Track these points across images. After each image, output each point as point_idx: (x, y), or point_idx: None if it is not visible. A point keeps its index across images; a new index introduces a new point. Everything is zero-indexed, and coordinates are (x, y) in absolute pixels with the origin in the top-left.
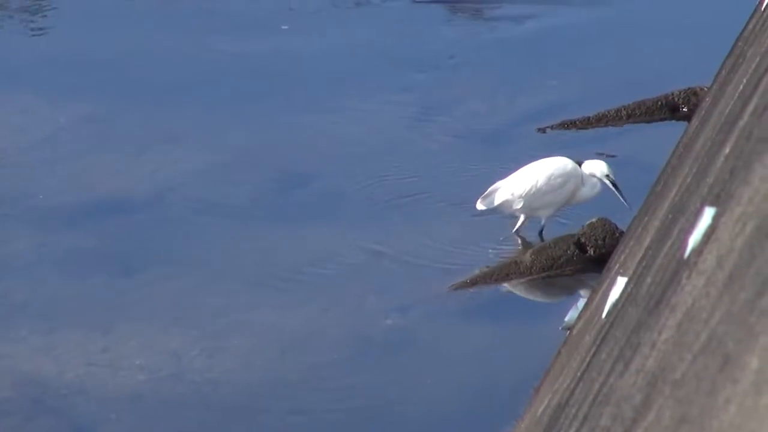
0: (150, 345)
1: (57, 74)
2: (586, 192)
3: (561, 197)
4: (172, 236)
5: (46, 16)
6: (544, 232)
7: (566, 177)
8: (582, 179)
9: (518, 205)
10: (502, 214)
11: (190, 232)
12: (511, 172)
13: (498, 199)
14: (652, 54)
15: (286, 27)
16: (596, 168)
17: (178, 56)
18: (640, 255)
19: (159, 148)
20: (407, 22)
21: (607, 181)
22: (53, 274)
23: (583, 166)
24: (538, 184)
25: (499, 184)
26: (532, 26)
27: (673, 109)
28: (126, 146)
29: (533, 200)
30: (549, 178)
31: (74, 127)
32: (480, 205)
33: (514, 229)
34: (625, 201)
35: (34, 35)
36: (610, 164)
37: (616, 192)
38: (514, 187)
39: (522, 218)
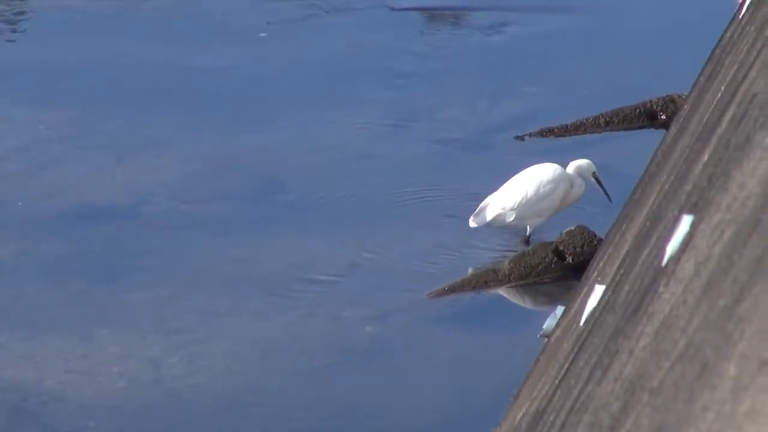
0: (129, 352)
1: (35, 82)
2: (575, 193)
3: (553, 203)
4: (151, 244)
5: (24, 24)
6: (531, 239)
7: (556, 183)
8: (570, 182)
9: (511, 218)
10: (497, 228)
11: (169, 240)
12: (490, 180)
13: (490, 215)
14: (631, 61)
15: (263, 35)
16: (583, 168)
17: (155, 65)
18: (618, 262)
19: (138, 156)
20: (385, 30)
21: (594, 180)
22: (33, 282)
23: (568, 167)
24: (529, 194)
25: (489, 199)
26: (510, 34)
27: (651, 116)
28: (105, 154)
29: (525, 210)
30: (539, 187)
31: (53, 135)
32: (472, 223)
33: (527, 235)
34: (610, 198)
35: (11, 43)
36: (594, 163)
37: (602, 189)
38: (505, 200)
39: (528, 229)
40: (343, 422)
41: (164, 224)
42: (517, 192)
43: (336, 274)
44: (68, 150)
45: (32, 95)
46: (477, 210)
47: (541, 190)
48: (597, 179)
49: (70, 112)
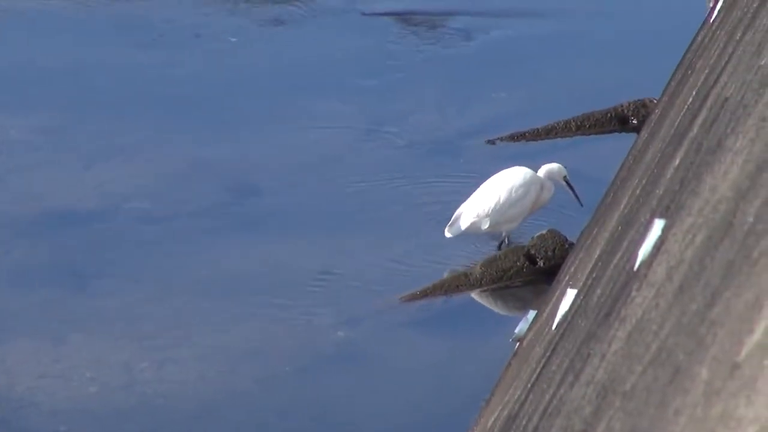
0: (101, 357)
1: (7, 87)
2: (545, 197)
3: (525, 208)
4: (123, 248)
5: None
6: (504, 244)
7: (527, 187)
8: (541, 185)
9: (485, 225)
10: (472, 236)
11: (141, 245)
12: (461, 185)
13: (464, 224)
14: (602, 66)
15: (234, 39)
16: (554, 172)
17: (128, 68)
18: (590, 267)
19: (109, 161)
20: (357, 35)
21: (565, 183)
22: (4, 286)
23: (539, 171)
24: (501, 200)
25: (462, 208)
26: (482, 39)
27: (622, 121)
28: (77, 158)
29: (498, 217)
30: (510, 192)
31: (25, 139)
32: (448, 233)
33: (498, 244)
34: (580, 202)
35: None
36: (565, 167)
37: (572, 193)
38: (478, 208)
39: (504, 234)
40: (315, 427)
41: (136, 229)
42: (490, 199)
43: (308, 279)
44: (39, 155)
45: (4, 100)
46: (451, 220)
47: (513, 195)
48: (568, 183)
49: (41, 117)
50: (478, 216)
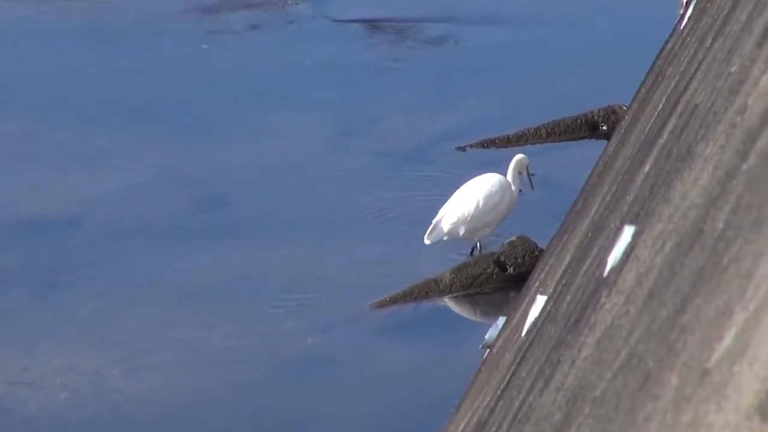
0: (72, 364)
1: None
2: (512, 201)
3: (501, 213)
4: (94, 256)
5: None
6: (476, 251)
7: (502, 193)
8: (512, 189)
9: (463, 231)
10: (452, 242)
11: (112, 252)
12: (432, 191)
13: (443, 231)
14: (572, 73)
15: (206, 46)
16: (522, 163)
17: (98, 76)
18: (559, 273)
19: (80, 167)
20: (327, 41)
21: (527, 172)
22: None
23: (510, 168)
24: (480, 206)
25: (440, 215)
26: (451, 46)
27: (592, 127)
28: (47, 165)
29: (476, 223)
30: (488, 198)
31: None
32: (427, 240)
33: (470, 251)
34: (532, 185)
35: None
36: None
37: (529, 180)
38: (456, 215)
39: (476, 240)
40: None
41: (107, 236)
42: (468, 205)
43: (277, 286)
44: (11, 161)
45: None
46: (430, 227)
47: (490, 202)
48: (528, 172)
49: (13, 124)
50: (456, 222)
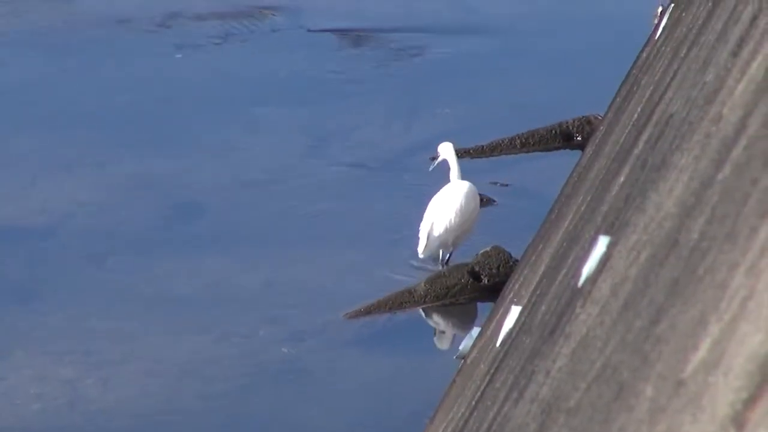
0: (44, 374)
1: None
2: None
3: (476, 218)
4: (66, 264)
5: None
6: (449, 260)
7: (476, 198)
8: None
9: (452, 239)
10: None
11: (84, 261)
12: (405, 201)
13: (436, 242)
14: (546, 83)
15: (179, 56)
16: (448, 149)
17: (71, 84)
18: (534, 284)
19: (52, 177)
20: (301, 50)
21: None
22: None
23: (441, 147)
24: (462, 213)
25: (426, 227)
26: (426, 55)
27: (567, 137)
28: (19, 174)
29: (461, 229)
30: (467, 204)
31: None
32: (422, 255)
33: (444, 260)
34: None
35: None
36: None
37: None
38: (444, 225)
39: (452, 248)
40: None
41: (79, 245)
42: (450, 214)
43: (251, 295)
44: None
45: None
46: (422, 242)
47: (468, 207)
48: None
49: None
50: (446, 231)
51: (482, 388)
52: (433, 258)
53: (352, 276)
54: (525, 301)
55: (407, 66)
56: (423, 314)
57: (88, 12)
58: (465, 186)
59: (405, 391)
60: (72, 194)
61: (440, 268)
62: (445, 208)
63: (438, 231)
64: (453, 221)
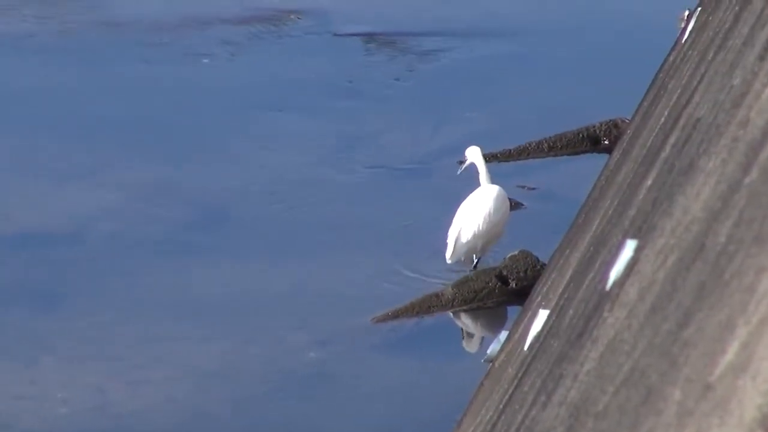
0: (72, 378)
1: None
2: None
3: (505, 223)
4: (92, 270)
5: None
6: (479, 264)
7: (505, 203)
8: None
9: (480, 245)
10: (470, 258)
11: (110, 266)
12: (433, 206)
13: (464, 248)
14: (574, 86)
15: (206, 61)
16: (478, 152)
17: (95, 90)
18: (561, 287)
19: (77, 182)
20: (329, 55)
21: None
22: None
23: (468, 151)
24: (491, 218)
25: (454, 232)
26: (453, 59)
27: (594, 141)
28: (45, 180)
29: (490, 234)
30: (496, 209)
31: None
32: (449, 260)
33: (474, 265)
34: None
35: None
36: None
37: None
38: (472, 230)
39: (481, 253)
40: None
41: (105, 250)
42: (479, 219)
43: (278, 300)
44: (9, 176)
45: None
46: (450, 247)
47: (498, 212)
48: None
49: (9, 139)
50: (474, 237)
51: (510, 391)
52: (465, 261)
53: (379, 280)
54: (553, 304)
55: (434, 70)
56: (451, 318)
57: (115, 17)
58: (494, 191)
59: (432, 395)
60: (97, 200)
61: (469, 271)
62: (473, 214)
63: (466, 237)
64: (481, 227)
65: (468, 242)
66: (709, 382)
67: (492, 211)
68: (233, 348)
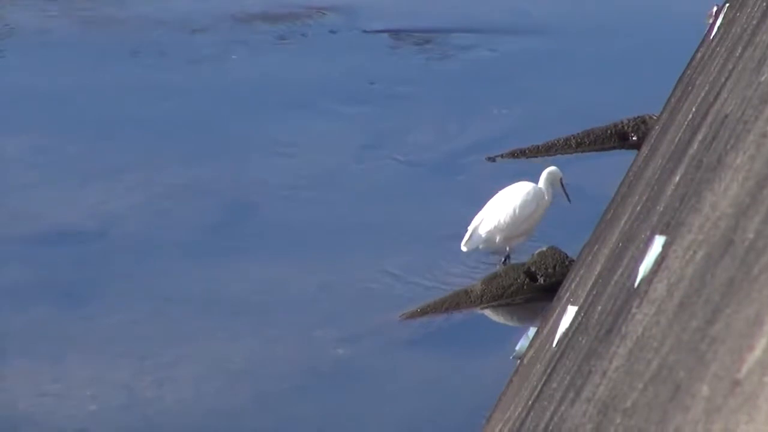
0: (100, 376)
1: (2, 106)
2: (548, 204)
3: (535, 222)
4: (119, 267)
5: None
6: (507, 260)
7: (536, 201)
8: (545, 198)
9: (499, 239)
10: (486, 250)
11: (137, 264)
12: (462, 202)
13: (480, 238)
14: (601, 82)
15: (235, 57)
16: (554, 174)
17: (122, 89)
18: (590, 284)
19: (104, 180)
20: (356, 51)
21: (560, 185)
22: (2, 306)
23: (542, 174)
24: (516, 214)
25: (475, 222)
26: (481, 56)
27: (622, 137)
28: (72, 178)
29: (512, 230)
30: (523, 207)
31: (20, 159)
32: (464, 248)
33: (503, 260)
34: (569, 199)
35: None
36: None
37: (565, 193)
38: (493, 222)
39: (507, 249)
40: None
41: (131, 248)
42: (503, 213)
43: (307, 296)
44: (34, 174)
45: (0, 120)
46: (467, 235)
47: (525, 210)
48: (562, 185)
49: (35, 136)
50: (493, 230)
51: (539, 388)
52: (492, 251)
53: (407, 277)
54: (581, 301)
55: (462, 66)
56: (479, 314)
57: (140, 15)
58: (527, 187)
59: (461, 391)
60: (123, 198)
61: (497, 267)
62: (499, 207)
63: (485, 228)
64: (502, 221)
65: (487, 234)
66: (737, 379)
67: (518, 207)
68: (261, 346)
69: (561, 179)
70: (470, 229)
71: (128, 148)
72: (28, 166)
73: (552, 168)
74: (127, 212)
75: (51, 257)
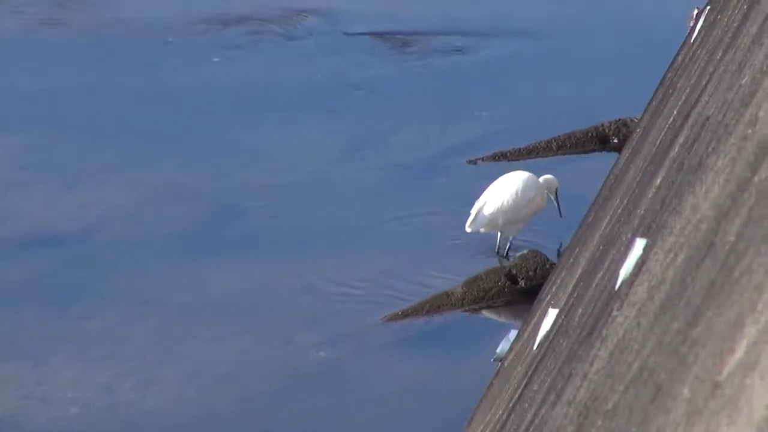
0: (83, 378)
1: None
2: (543, 203)
3: (534, 209)
4: (104, 269)
5: None
6: (509, 250)
7: (536, 189)
8: (542, 190)
9: (501, 222)
10: (489, 233)
11: (121, 265)
12: (443, 205)
13: (485, 219)
14: (583, 85)
15: (216, 59)
16: (551, 182)
17: (106, 92)
18: (571, 286)
19: (90, 181)
20: (337, 54)
21: (554, 194)
22: None
23: (540, 180)
24: (519, 197)
25: (478, 204)
26: (461, 58)
27: (603, 140)
28: (57, 179)
29: (515, 214)
30: (525, 191)
31: (6, 159)
32: (468, 229)
33: (496, 250)
34: (561, 213)
35: None
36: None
37: (557, 204)
38: (496, 205)
39: (499, 237)
40: None
41: (115, 250)
42: (507, 196)
43: (289, 299)
44: (21, 175)
45: None
46: (471, 217)
47: (527, 194)
48: (557, 195)
49: (21, 138)
50: (496, 213)
51: (519, 390)
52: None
53: (389, 279)
54: (562, 303)
55: (443, 69)
56: (460, 317)
57: (122, 19)
58: (525, 175)
59: (442, 394)
60: (108, 200)
61: (498, 254)
62: (501, 189)
63: (489, 209)
64: (506, 202)
65: (491, 215)
66: (718, 381)
67: (520, 191)
68: (244, 348)
69: (556, 189)
70: (473, 211)
71: (113, 151)
72: (13, 168)
73: (550, 176)
74: (111, 215)
75: (34, 259)
